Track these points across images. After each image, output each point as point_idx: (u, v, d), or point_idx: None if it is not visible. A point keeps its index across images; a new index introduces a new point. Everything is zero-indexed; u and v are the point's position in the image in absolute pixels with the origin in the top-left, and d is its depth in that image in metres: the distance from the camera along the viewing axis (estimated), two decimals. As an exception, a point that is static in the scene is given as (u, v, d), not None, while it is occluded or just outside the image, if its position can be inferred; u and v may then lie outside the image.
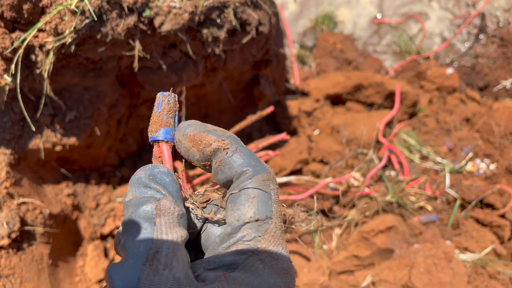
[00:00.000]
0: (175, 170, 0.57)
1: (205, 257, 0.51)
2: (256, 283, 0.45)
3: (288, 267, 0.48)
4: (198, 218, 0.57)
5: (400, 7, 3.55)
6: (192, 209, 0.55)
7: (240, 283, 0.44)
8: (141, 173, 0.52)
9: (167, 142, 0.57)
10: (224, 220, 0.54)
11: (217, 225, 0.55)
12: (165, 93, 0.58)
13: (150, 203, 0.48)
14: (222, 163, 0.52)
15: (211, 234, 0.55)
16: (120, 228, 0.51)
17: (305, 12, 3.46)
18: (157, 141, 0.58)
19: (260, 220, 0.49)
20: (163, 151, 0.57)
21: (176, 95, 0.59)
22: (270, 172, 0.53)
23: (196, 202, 0.56)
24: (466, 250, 2.02)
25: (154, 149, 0.58)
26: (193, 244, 0.58)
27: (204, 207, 0.56)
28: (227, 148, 0.52)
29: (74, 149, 1.72)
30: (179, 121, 0.59)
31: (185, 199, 0.56)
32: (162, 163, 0.57)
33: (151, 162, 1.79)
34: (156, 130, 0.57)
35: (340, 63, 3.08)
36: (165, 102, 0.57)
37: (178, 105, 0.58)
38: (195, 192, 0.58)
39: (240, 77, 2.05)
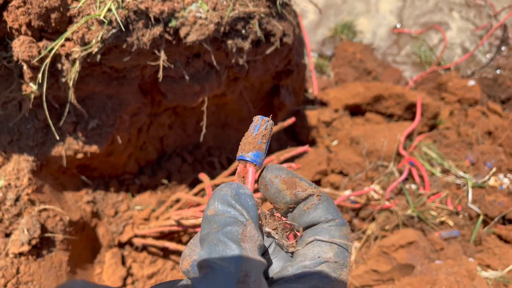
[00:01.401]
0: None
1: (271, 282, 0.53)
2: None
3: None
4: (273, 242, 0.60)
5: (420, 16, 3.52)
6: (272, 235, 0.58)
7: None
8: (227, 190, 0.53)
9: (255, 165, 0.59)
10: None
11: (290, 254, 0.58)
12: (264, 117, 0.60)
13: (236, 226, 0.50)
14: (312, 207, 0.55)
15: (274, 262, 0.58)
16: (190, 245, 0.54)
17: (324, 21, 3.45)
18: (245, 161, 0.59)
19: (338, 264, 0.52)
20: (248, 172, 0.58)
21: (273, 122, 0.61)
22: (348, 226, 0.57)
23: (275, 229, 0.58)
24: (489, 268, 1.97)
25: (239, 168, 0.59)
26: None
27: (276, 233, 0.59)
28: (320, 196, 0.56)
29: (95, 157, 1.72)
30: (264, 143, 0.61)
31: (261, 225, 0.58)
32: (244, 183, 0.58)
33: (170, 171, 1.79)
34: (249, 150, 0.59)
35: (359, 73, 3.06)
36: (263, 126, 0.59)
37: (272, 133, 0.60)
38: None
39: (261, 86, 2.04)
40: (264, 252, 0.59)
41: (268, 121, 0.59)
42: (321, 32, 3.39)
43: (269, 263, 0.58)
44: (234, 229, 0.49)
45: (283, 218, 0.60)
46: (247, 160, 0.59)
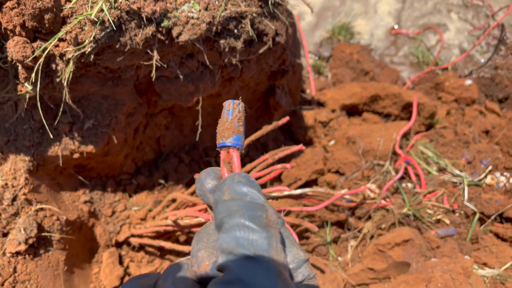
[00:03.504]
0: None
1: None
2: None
3: None
4: None
5: (418, 18, 3.53)
6: None
7: None
8: (238, 176, 0.52)
9: (238, 149, 0.59)
10: None
11: None
12: (235, 101, 0.60)
13: (259, 210, 0.49)
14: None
15: None
16: (206, 248, 0.52)
17: (321, 23, 3.47)
18: (227, 147, 0.59)
19: (308, 260, 0.55)
20: (233, 157, 0.58)
21: (244, 104, 0.61)
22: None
23: None
24: (485, 266, 1.97)
25: (222, 155, 0.59)
26: None
27: None
28: None
29: (92, 157, 1.73)
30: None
31: None
32: (232, 169, 0.58)
33: (167, 171, 1.80)
34: (229, 136, 0.59)
35: (357, 74, 3.07)
36: (236, 110, 0.59)
37: (245, 114, 0.60)
38: None
39: (256, 87, 2.05)
40: None
41: (240, 103, 0.60)
42: (318, 33, 3.41)
43: None
44: (257, 213, 0.48)
45: None
46: (229, 146, 0.59)
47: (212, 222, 0.54)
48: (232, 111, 0.59)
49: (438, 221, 2.11)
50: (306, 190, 1.67)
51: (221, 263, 0.46)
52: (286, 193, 1.53)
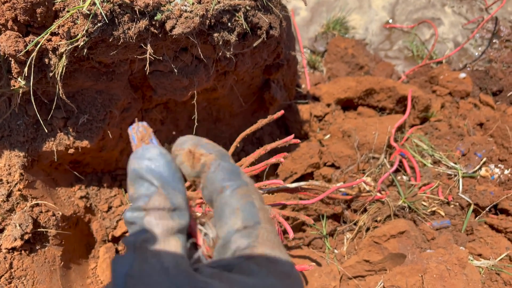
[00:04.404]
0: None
1: None
2: (250, 283, 0.44)
3: (288, 270, 0.47)
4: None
5: (413, 12, 3.53)
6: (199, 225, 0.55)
7: (233, 282, 0.43)
8: (134, 163, 0.51)
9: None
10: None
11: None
12: (133, 125, 0.57)
13: (140, 200, 0.49)
14: (206, 179, 0.52)
15: None
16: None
17: (316, 18, 3.47)
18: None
19: (249, 227, 0.48)
20: (137, 125, 0.57)
21: (145, 122, 0.58)
22: (251, 184, 0.53)
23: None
24: (480, 257, 1.99)
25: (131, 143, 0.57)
26: None
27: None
28: (211, 163, 0.52)
29: (87, 152, 1.73)
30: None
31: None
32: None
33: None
34: None
35: (352, 68, 3.07)
36: (136, 133, 0.56)
37: (151, 130, 0.57)
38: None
39: (251, 81, 2.05)
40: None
41: (137, 125, 0.57)
42: (313, 28, 3.41)
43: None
44: (138, 205, 0.49)
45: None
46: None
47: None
48: (135, 136, 0.56)
49: (433, 213, 2.12)
50: (302, 183, 1.68)
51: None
52: (281, 186, 1.54)
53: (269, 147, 1.49)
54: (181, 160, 0.54)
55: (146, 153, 0.51)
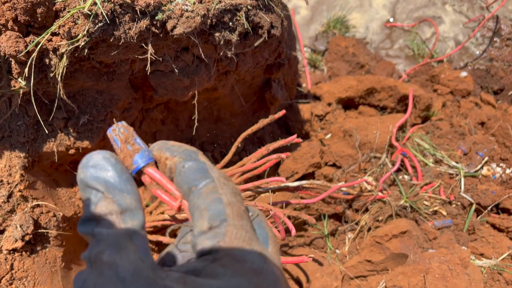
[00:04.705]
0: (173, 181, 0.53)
1: None
2: (215, 286, 0.42)
3: (258, 267, 0.45)
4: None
5: (413, 11, 3.52)
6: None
7: (198, 286, 0.42)
8: (80, 172, 0.50)
9: (148, 164, 0.54)
10: None
11: None
12: (113, 127, 0.55)
13: (88, 209, 0.48)
14: (176, 183, 0.51)
15: None
16: None
17: (316, 17, 3.46)
18: (139, 171, 0.54)
19: (214, 227, 0.47)
20: (152, 175, 0.53)
21: (124, 122, 0.56)
22: (219, 178, 0.50)
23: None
24: (482, 256, 1.98)
25: (144, 179, 0.54)
26: None
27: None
28: (176, 166, 0.51)
29: (87, 153, 1.73)
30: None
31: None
32: (159, 186, 0.53)
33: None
34: (131, 163, 0.53)
35: (352, 67, 3.06)
36: (118, 135, 0.54)
37: (132, 129, 0.55)
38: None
39: (252, 80, 2.04)
40: None
41: (117, 126, 0.55)
42: (314, 27, 3.40)
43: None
44: (86, 214, 0.48)
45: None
46: (140, 168, 0.53)
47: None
48: (117, 138, 0.54)
49: (435, 212, 2.11)
50: (303, 182, 1.67)
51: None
52: (283, 185, 1.53)
53: (271, 146, 1.49)
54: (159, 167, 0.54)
55: (89, 160, 0.50)
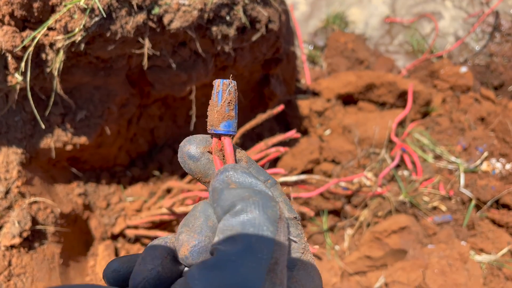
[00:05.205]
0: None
1: None
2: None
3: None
4: None
5: (413, 6, 3.51)
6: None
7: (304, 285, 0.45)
8: (242, 168, 0.48)
9: (229, 136, 0.55)
10: None
11: None
12: (225, 81, 0.54)
13: (273, 201, 0.43)
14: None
15: None
16: (188, 231, 0.47)
17: (315, 12, 3.44)
18: (218, 134, 0.54)
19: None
20: (225, 145, 0.54)
21: (235, 83, 0.55)
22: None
23: None
24: (482, 251, 1.98)
25: (213, 142, 0.55)
26: None
27: None
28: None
29: (85, 149, 1.72)
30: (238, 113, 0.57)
31: None
32: (224, 157, 0.54)
33: (162, 163, 1.79)
34: (219, 123, 0.54)
35: (352, 63, 3.05)
36: (226, 92, 0.54)
37: (237, 94, 0.55)
38: None
39: (251, 76, 2.03)
40: None
41: (230, 83, 0.54)
42: (313, 23, 3.39)
43: None
44: (270, 203, 0.43)
45: None
46: (220, 133, 0.54)
47: (202, 203, 0.52)
48: (222, 93, 0.54)
49: (435, 208, 2.11)
50: (302, 177, 1.66)
51: (214, 244, 0.42)
52: (282, 179, 1.53)
53: (270, 142, 1.48)
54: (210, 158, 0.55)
55: (251, 173, 0.50)
